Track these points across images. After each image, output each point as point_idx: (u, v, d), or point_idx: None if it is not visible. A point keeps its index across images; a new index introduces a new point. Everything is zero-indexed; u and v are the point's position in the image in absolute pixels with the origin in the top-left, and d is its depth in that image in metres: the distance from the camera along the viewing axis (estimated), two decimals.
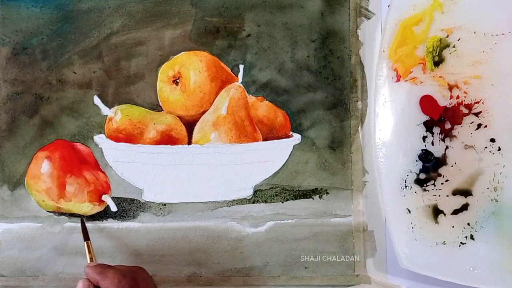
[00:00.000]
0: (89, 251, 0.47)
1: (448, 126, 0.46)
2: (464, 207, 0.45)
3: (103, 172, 0.52)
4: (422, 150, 0.47)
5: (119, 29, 0.52)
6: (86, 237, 0.48)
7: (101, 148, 0.51)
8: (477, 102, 0.45)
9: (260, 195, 0.52)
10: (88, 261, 0.46)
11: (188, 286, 0.50)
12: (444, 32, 0.46)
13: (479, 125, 0.45)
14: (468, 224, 0.45)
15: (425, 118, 0.47)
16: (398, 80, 0.48)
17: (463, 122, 0.46)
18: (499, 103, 0.44)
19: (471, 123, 0.45)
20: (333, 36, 0.52)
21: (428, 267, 0.46)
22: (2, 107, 0.52)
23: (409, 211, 0.47)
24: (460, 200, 0.46)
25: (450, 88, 0.46)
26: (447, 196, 0.46)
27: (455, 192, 0.46)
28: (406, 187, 0.47)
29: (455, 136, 0.46)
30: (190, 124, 0.52)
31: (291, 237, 0.51)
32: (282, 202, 0.51)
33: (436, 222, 0.46)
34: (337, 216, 0.51)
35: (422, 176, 0.47)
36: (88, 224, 0.51)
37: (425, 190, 0.47)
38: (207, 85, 0.51)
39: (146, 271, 0.44)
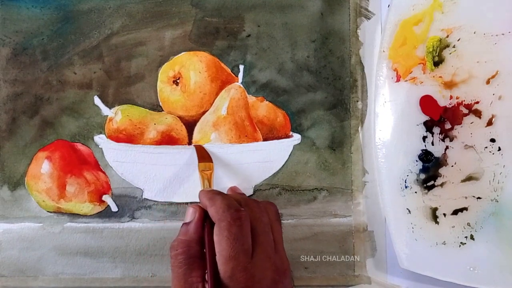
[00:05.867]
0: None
1: (448, 126, 0.46)
2: (464, 207, 0.46)
3: (104, 172, 0.52)
4: (422, 150, 0.47)
5: (119, 30, 0.52)
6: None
7: (101, 148, 0.51)
8: (477, 102, 0.45)
9: (260, 195, 0.52)
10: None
11: None
12: (444, 32, 0.46)
13: (479, 125, 0.45)
14: (468, 224, 0.45)
15: (425, 118, 0.47)
16: (398, 80, 0.48)
17: (463, 122, 0.46)
18: (499, 103, 0.44)
19: (471, 123, 0.45)
20: (333, 36, 0.52)
21: (428, 267, 0.46)
22: (2, 107, 0.52)
23: (409, 211, 0.47)
24: (460, 201, 0.46)
25: (450, 88, 0.46)
26: (447, 196, 0.46)
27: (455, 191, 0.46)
28: (406, 187, 0.47)
29: (455, 136, 0.46)
30: (190, 125, 0.52)
31: (291, 237, 0.51)
32: (282, 202, 0.52)
33: (436, 222, 0.46)
34: (337, 216, 0.51)
35: (422, 176, 0.47)
36: (89, 225, 0.51)
37: (425, 190, 0.47)
38: (207, 85, 0.51)
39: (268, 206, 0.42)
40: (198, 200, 0.51)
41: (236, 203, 0.39)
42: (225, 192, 0.49)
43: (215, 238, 0.37)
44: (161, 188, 0.51)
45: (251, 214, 0.39)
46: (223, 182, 0.51)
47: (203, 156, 0.48)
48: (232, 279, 0.35)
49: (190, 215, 0.40)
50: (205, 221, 0.40)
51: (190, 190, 0.51)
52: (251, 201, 0.41)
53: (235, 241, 0.36)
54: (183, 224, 0.40)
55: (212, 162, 0.47)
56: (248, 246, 0.37)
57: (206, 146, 0.50)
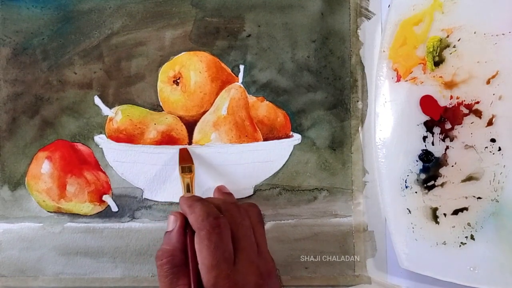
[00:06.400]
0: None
1: (448, 126, 0.46)
2: (465, 207, 0.46)
3: (104, 172, 0.52)
4: (422, 150, 0.47)
5: (119, 30, 0.52)
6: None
7: (101, 148, 0.51)
8: (477, 102, 0.45)
9: (260, 195, 0.52)
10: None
11: None
12: (444, 32, 0.46)
13: (479, 125, 0.45)
14: (469, 224, 0.45)
15: (426, 118, 0.47)
16: (398, 80, 0.48)
17: (463, 122, 0.46)
18: (499, 103, 0.45)
19: (471, 123, 0.46)
20: (333, 36, 0.52)
21: (428, 267, 0.46)
22: (2, 107, 0.52)
23: (409, 211, 0.47)
24: (460, 201, 0.46)
25: (451, 88, 0.46)
26: (448, 196, 0.46)
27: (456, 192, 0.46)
28: (406, 187, 0.47)
29: (455, 136, 0.46)
30: (190, 125, 0.52)
31: (291, 237, 0.51)
32: (282, 202, 0.52)
33: (437, 222, 0.46)
34: (337, 216, 0.51)
35: (423, 176, 0.47)
36: (89, 225, 0.51)
37: (425, 190, 0.47)
38: (207, 85, 0.51)
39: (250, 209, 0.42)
40: None
41: (216, 210, 0.39)
42: (213, 192, 0.49)
43: (196, 247, 0.37)
44: (161, 188, 0.51)
45: (231, 220, 0.39)
46: (223, 183, 0.51)
47: (184, 158, 0.47)
48: (216, 287, 0.36)
49: (172, 223, 0.40)
50: (186, 228, 0.39)
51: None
52: (231, 205, 0.41)
53: (215, 249, 0.36)
54: (166, 232, 0.40)
55: (193, 165, 0.47)
56: (229, 253, 0.37)
57: (207, 145, 0.50)
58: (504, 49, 0.44)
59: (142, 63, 0.52)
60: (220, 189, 0.49)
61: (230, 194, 0.48)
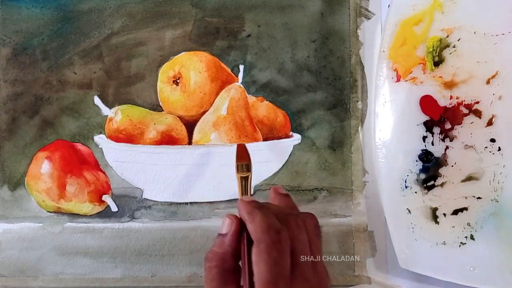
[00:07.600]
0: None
1: (448, 126, 0.46)
2: (464, 207, 0.45)
3: (104, 172, 0.52)
4: (422, 150, 0.47)
5: (119, 30, 0.52)
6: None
7: (101, 148, 0.51)
8: (477, 102, 0.45)
9: (260, 195, 0.52)
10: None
11: (189, 286, 0.50)
12: (444, 32, 0.46)
13: (479, 125, 0.45)
14: (468, 224, 0.45)
15: (425, 118, 0.47)
16: (398, 80, 0.48)
17: (463, 122, 0.46)
18: (499, 103, 0.44)
19: (471, 123, 0.45)
20: (333, 36, 0.52)
21: (428, 267, 0.46)
22: (2, 107, 0.52)
23: (409, 211, 0.47)
24: (460, 201, 0.46)
25: (450, 88, 0.46)
26: (447, 196, 0.46)
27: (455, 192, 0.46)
28: (406, 187, 0.47)
29: (455, 136, 0.46)
30: (190, 124, 0.52)
31: None
32: None
33: (436, 222, 0.46)
34: (337, 216, 0.51)
35: (422, 176, 0.47)
36: (89, 225, 0.51)
37: (425, 190, 0.47)
38: (207, 85, 0.51)
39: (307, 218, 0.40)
40: (196, 200, 0.52)
41: (277, 222, 0.37)
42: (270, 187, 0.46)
43: (254, 258, 0.35)
44: (161, 188, 0.51)
45: (290, 234, 0.37)
46: (224, 182, 0.51)
47: (242, 155, 0.44)
48: None
49: (226, 226, 0.38)
50: (242, 231, 0.38)
51: (190, 190, 0.51)
52: (290, 217, 0.39)
53: (274, 265, 0.35)
54: (218, 234, 0.39)
55: (251, 163, 0.43)
56: (287, 270, 0.35)
57: (207, 145, 0.50)
58: (504, 49, 0.44)
59: (142, 63, 0.52)
60: (276, 190, 0.45)
61: (287, 196, 0.44)
